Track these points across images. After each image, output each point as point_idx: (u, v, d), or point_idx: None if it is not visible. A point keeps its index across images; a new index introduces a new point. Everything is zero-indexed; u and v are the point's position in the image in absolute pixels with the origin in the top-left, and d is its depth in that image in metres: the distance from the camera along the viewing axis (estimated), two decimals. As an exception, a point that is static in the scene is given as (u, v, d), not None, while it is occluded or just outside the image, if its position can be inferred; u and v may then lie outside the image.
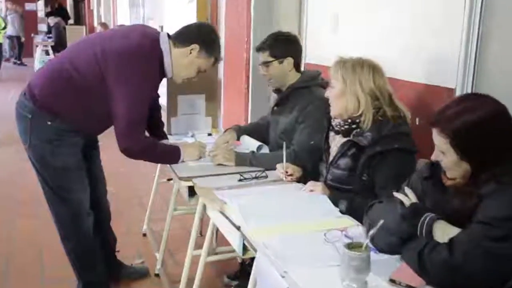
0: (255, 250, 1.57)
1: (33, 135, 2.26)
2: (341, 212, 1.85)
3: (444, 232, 1.38)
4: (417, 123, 2.43)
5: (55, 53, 11.53)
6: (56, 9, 14.80)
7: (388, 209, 1.53)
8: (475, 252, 1.28)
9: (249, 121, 4.69)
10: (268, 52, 2.49)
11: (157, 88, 2.38)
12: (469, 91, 2.26)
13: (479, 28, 2.18)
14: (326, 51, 3.26)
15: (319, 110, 2.38)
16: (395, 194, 1.61)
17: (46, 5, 15.55)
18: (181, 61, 2.31)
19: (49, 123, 2.24)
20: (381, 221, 1.33)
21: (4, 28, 10.61)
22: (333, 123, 2.10)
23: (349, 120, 2.02)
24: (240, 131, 2.74)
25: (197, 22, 2.40)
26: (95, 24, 13.84)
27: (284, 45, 2.50)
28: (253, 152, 2.48)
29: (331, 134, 2.13)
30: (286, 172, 2.16)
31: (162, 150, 2.43)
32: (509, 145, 1.41)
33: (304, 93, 2.47)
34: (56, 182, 2.32)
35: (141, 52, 2.20)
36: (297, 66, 2.53)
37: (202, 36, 2.33)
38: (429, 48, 2.46)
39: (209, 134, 3.02)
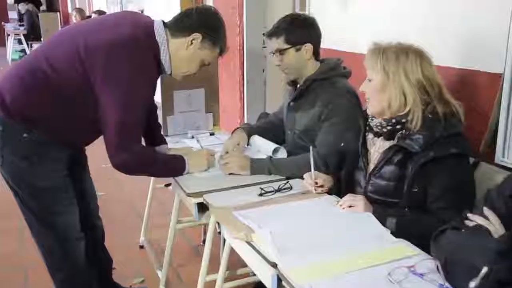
0: (302, 298, 1.23)
1: (6, 151, 1.86)
2: (392, 233, 1.52)
3: None
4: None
5: (28, 42, 10.97)
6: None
7: (473, 242, 1.19)
8: None
9: (245, 113, 4.34)
10: (283, 38, 2.11)
11: (154, 88, 2.00)
12: (521, 76, 1.94)
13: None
14: (334, 32, 2.90)
15: (347, 105, 2.04)
16: (472, 216, 1.29)
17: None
18: (181, 54, 1.94)
19: (25, 135, 1.84)
20: (485, 269, 0.99)
21: None
22: (372, 124, 1.75)
23: (393, 120, 1.68)
24: (251, 131, 2.37)
25: (198, 7, 2.01)
26: (70, 10, 13.20)
27: (301, 29, 2.13)
28: (270, 157, 2.13)
29: (369, 136, 1.79)
30: (316, 183, 1.82)
31: (164, 162, 2.05)
32: None
33: (325, 86, 2.12)
34: (38, 205, 1.93)
35: (133, 45, 1.81)
36: (316, 53, 2.17)
37: (204, 23, 1.94)
38: (465, 25, 2.11)
39: (211, 134, 2.66)
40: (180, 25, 1.94)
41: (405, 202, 1.63)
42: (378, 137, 1.74)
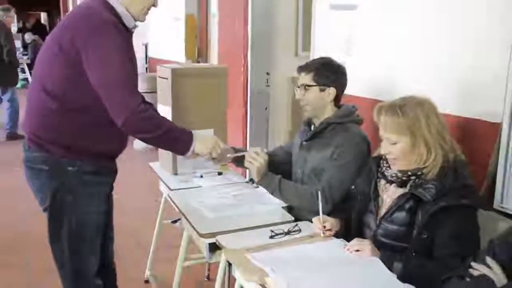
0: None
1: (53, 189, 1.96)
2: (398, 278, 1.60)
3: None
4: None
5: (31, 71, 11.11)
6: (33, 26, 14.31)
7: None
8: None
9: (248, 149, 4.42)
10: (312, 75, 2.24)
11: (131, 48, 2.04)
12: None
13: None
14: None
15: (358, 149, 2.16)
16: (475, 265, 1.37)
17: (18, 20, 15.01)
18: (133, 2, 2.02)
19: (69, 169, 1.95)
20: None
21: None
22: (387, 173, 1.84)
23: (409, 172, 1.77)
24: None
25: None
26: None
27: (330, 73, 2.26)
28: (281, 178, 2.25)
29: (382, 182, 1.88)
30: (324, 226, 1.91)
31: (170, 127, 2.02)
32: None
33: (339, 130, 2.23)
34: (75, 246, 2.01)
35: (95, 16, 1.92)
36: (337, 99, 2.29)
37: None
38: (466, 75, 2.23)
39: (219, 173, 2.75)
40: None
41: (414, 247, 1.71)
42: (391, 184, 1.83)
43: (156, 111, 2.12)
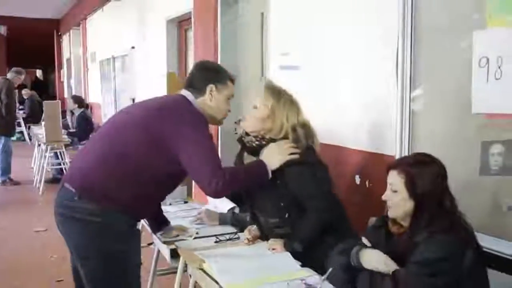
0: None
1: (103, 239, 2.12)
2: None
3: (368, 257, 1.88)
4: (367, 186, 2.90)
5: (26, 124, 11.81)
6: (34, 82, 14.96)
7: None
8: (413, 284, 1.74)
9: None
10: None
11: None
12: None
13: (410, 107, 2.65)
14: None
15: None
16: (352, 242, 2.02)
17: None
18: (211, 106, 2.32)
19: (120, 222, 2.14)
20: (330, 269, 1.72)
21: None
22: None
23: None
24: None
25: (195, 64, 2.49)
26: (66, 96, 14.18)
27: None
28: (233, 213, 2.88)
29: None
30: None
31: (249, 173, 2.33)
32: (441, 199, 1.85)
33: None
34: None
35: (182, 111, 2.22)
36: None
37: (208, 74, 2.35)
38: (372, 123, 2.93)
39: (185, 202, 3.39)
40: (196, 87, 2.32)
41: None
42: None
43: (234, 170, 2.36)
